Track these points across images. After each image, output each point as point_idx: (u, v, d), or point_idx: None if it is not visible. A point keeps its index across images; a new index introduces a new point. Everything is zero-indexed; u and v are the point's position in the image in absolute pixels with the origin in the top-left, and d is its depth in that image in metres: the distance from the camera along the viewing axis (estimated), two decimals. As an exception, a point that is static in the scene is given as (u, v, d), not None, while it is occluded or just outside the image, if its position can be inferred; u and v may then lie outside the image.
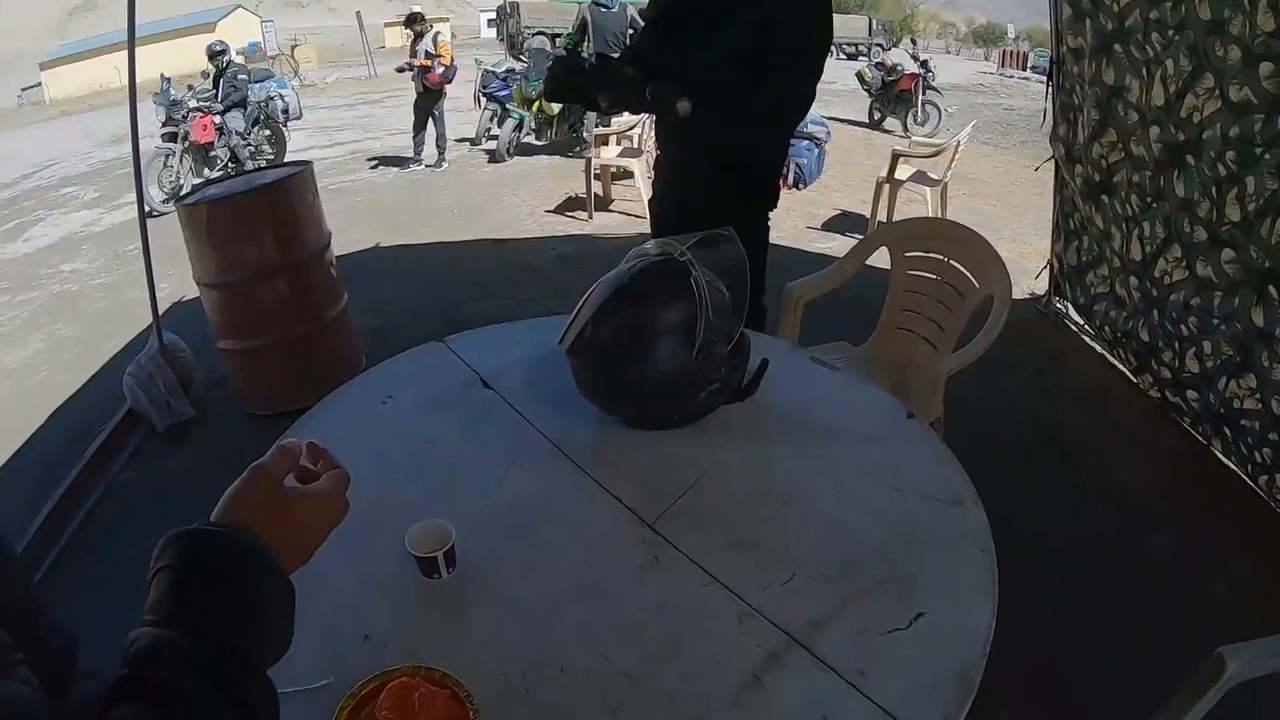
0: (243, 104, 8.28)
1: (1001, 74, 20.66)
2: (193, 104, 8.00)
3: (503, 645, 1.14)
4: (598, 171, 6.40)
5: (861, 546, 1.25)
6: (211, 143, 8.03)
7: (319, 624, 1.21)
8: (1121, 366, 3.59)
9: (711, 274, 1.48)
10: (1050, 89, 3.77)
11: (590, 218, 6.19)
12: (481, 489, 1.44)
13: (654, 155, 2.93)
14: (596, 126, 6.88)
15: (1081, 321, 3.98)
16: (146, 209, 3.64)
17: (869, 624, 1.12)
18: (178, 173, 7.70)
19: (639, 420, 1.54)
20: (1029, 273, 4.51)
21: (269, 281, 3.25)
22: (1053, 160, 3.89)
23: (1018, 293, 3.54)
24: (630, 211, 6.31)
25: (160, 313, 3.58)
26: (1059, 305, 4.17)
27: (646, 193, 5.48)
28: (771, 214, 2.52)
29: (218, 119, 8.06)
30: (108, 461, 3.21)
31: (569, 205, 6.63)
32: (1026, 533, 2.30)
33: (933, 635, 1.09)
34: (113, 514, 2.96)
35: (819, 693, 1.03)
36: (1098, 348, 3.81)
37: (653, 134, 3.57)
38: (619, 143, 6.62)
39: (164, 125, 7.84)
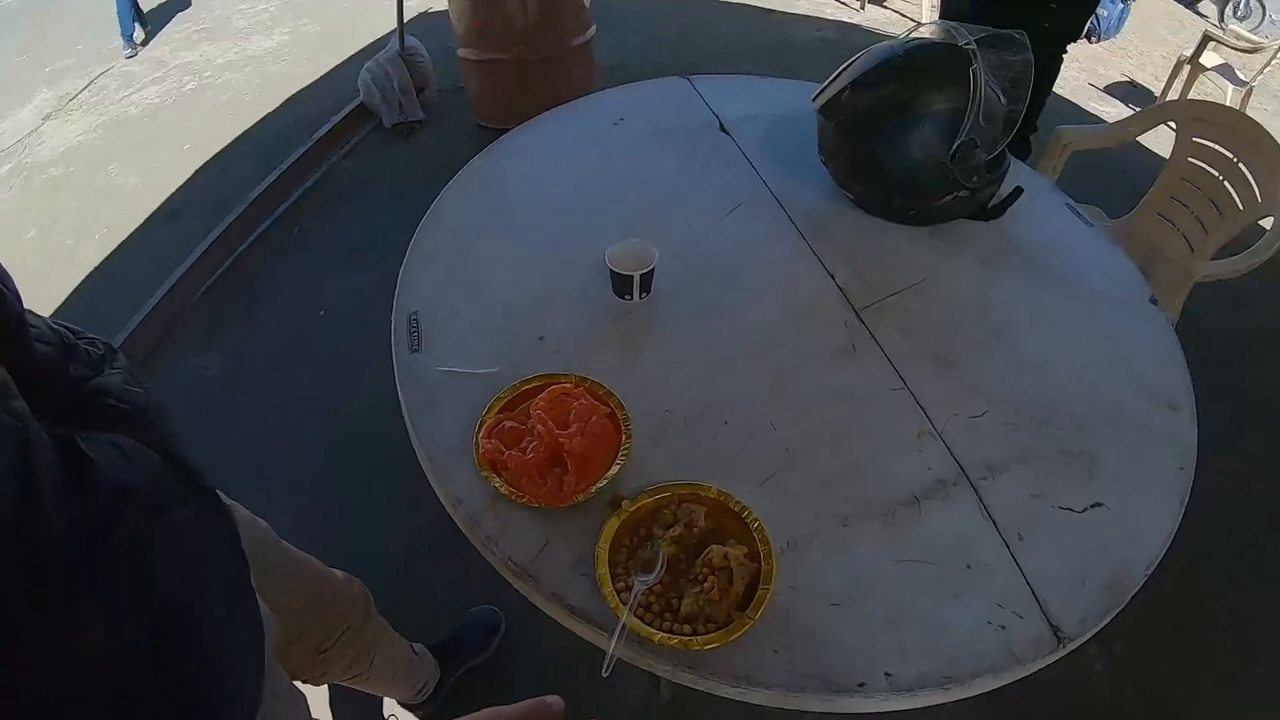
0: None
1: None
2: None
3: (675, 382, 1.17)
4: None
5: (1061, 408, 1.16)
6: None
7: (498, 314, 1.27)
8: None
9: (991, 76, 1.29)
10: None
11: (862, 8, 5.52)
12: (695, 225, 1.41)
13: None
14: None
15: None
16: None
17: (1043, 490, 1.06)
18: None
19: (873, 203, 1.42)
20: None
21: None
22: None
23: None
24: (905, 12, 5.54)
25: (405, 20, 3.50)
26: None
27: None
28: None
29: None
30: (332, 148, 3.40)
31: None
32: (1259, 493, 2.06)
33: (1102, 530, 1.03)
34: (328, 195, 3.19)
35: (970, 539, 1.01)
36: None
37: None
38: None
39: None
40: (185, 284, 2.61)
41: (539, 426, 1.04)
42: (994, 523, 1.02)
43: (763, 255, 1.37)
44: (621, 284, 1.23)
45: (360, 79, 3.52)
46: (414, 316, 1.27)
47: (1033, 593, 0.96)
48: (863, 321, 1.25)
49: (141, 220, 3.12)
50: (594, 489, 1.01)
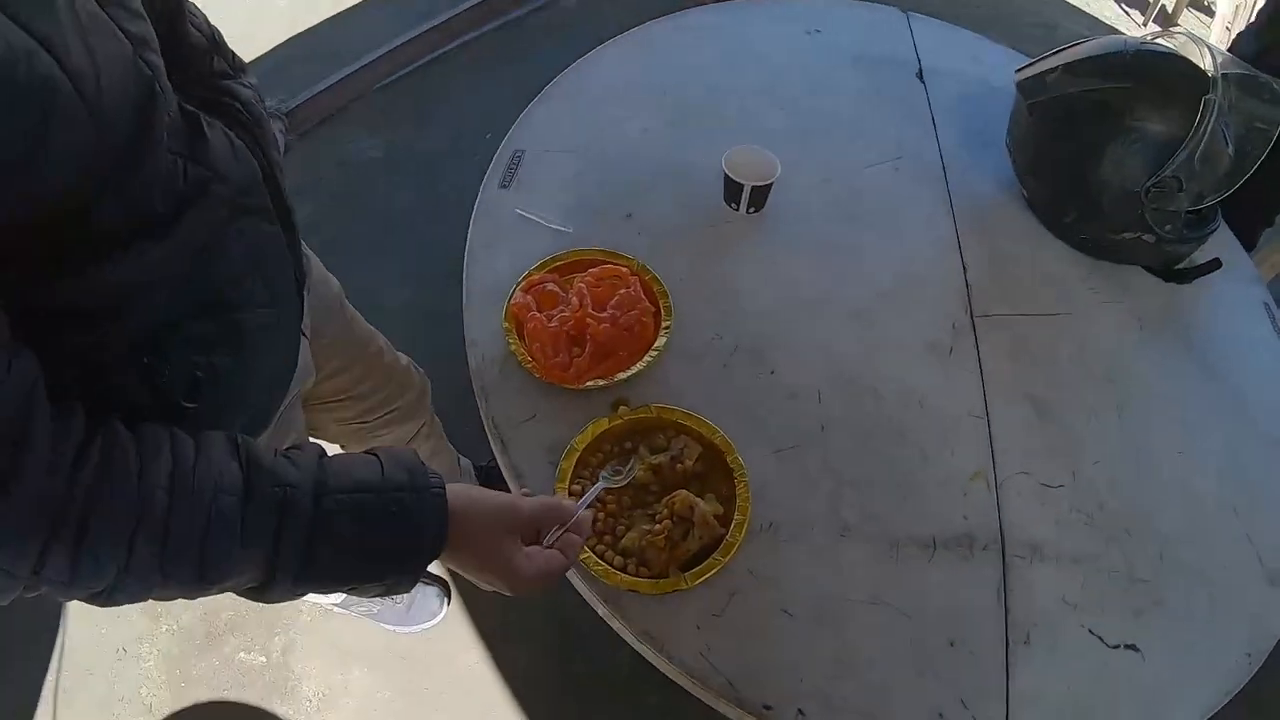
0: None
1: None
2: None
3: (741, 308, 1.06)
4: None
5: (1153, 527, 0.92)
6: None
7: (599, 177, 1.19)
8: None
9: (1228, 115, 1.01)
10: None
11: (1144, 25, 4.67)
12: (842, 160, 1.25)
13: None
14: None
15: None
16: None
17: (1082, 602, 0.85)
18: None
19: (1045, 209, 1.19)
20: None
21: None
22: None
23: None
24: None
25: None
26: None
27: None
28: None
29: None
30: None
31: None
32: None
33: (1122, 676, 0.82)
34: (539, 27, 3.00)
35: (970, 615, 0.85)
36: None
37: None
38: None
39: None
40: (371, 70, 2.67)
41: (575, 299, 0.97)
42: (1006, 610, 0.85)
43: (901, 216, 1.19)
44: (731, 190, 1.11)
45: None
46: (519, 154, 1.22)
47: (1007, 708, 0.80)
48: (974, 328, 1.07)
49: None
50: (602, 382, 0.93)
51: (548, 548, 0.66)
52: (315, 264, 1.04)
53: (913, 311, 1.08)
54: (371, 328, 1.21)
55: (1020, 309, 1.10)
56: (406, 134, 2.56)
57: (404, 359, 1.30)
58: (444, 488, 0.61)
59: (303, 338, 0.88)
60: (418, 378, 1.32)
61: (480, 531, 0.62)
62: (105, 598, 0.51)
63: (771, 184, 1.09)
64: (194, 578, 0.52)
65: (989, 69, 1.41)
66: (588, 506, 0.72)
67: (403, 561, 0.59)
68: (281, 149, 0.80)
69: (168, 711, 1.51)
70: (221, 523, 0.52)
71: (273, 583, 0.55)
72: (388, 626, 1.56)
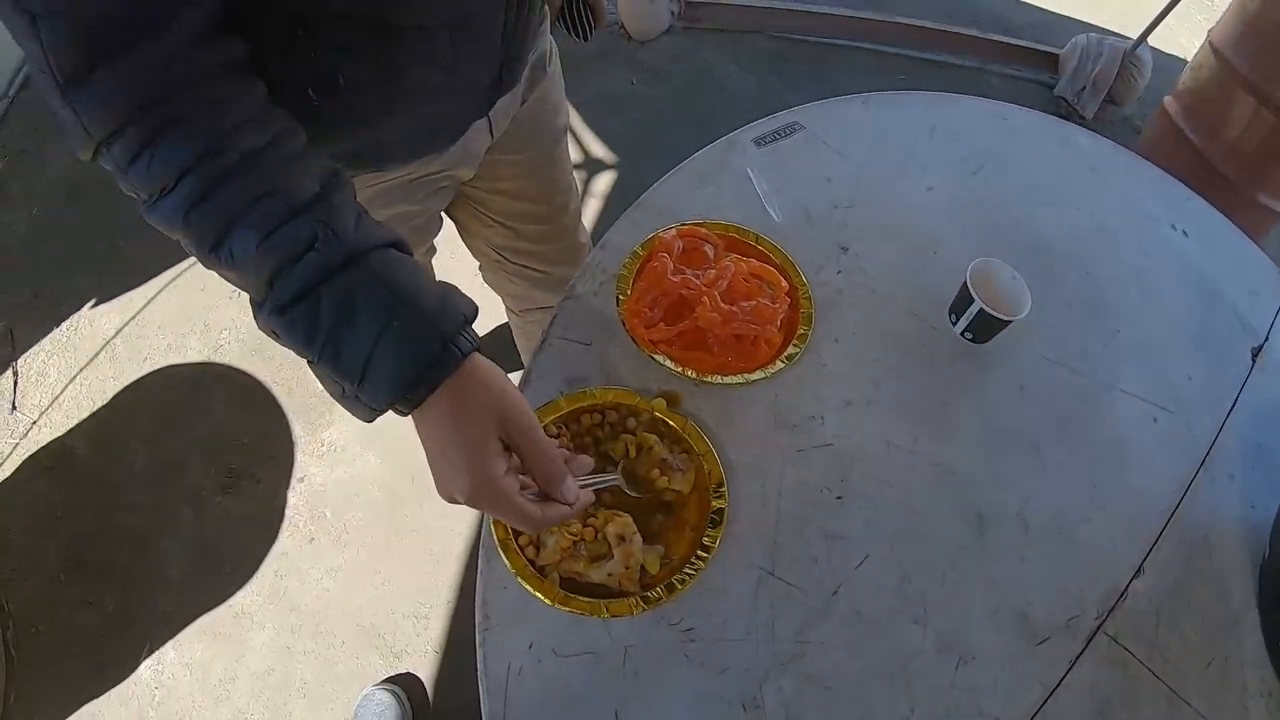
0: None
1: None
2: None
3: (867, 432, 0.86)
4: None
5: None
6: None
7: (834, 192, 1.04)
8: None
9: None
10: None
11: None
12: (1102, 355, 0.96)
13: None
14: None
15: None
16: None
17: None
18: None
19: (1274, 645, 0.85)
20: None
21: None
22: None
23: None
24: None
25: None
26: None
27: None
28: None
29: None
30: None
31: None
32: None
33: None
34: None
35: None
36: None
37: None
38: None
39: None
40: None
41: (713, 273, 0.83)
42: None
43: (1113, 465, 0.88)
44: (960, 303, 0.89)
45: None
46: (794, 126, 1.09)
47: None
48: (1088, 641, 0.78)
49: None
50: (670, 364, 0.80)
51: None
52: (553, 84, 1.00)
53: (1036, 577, 0.81)
54: (575, 185, 1.16)
55: (1154, 663, 0.78)
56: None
57: (586, 238, 1.25)
58: (469, 351, 0.54)
59: (474, 133, 0.84)
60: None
61: (476, 410, 0.53)
62: (144, 208, 0.52)
63: (1009, 322, 0.87)
64: (208, 246, 0.52)
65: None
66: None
67: (374, 380, 0.52)
68: None
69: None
70: (256, 215, 0.50)
71: (263, 304, 0.52)
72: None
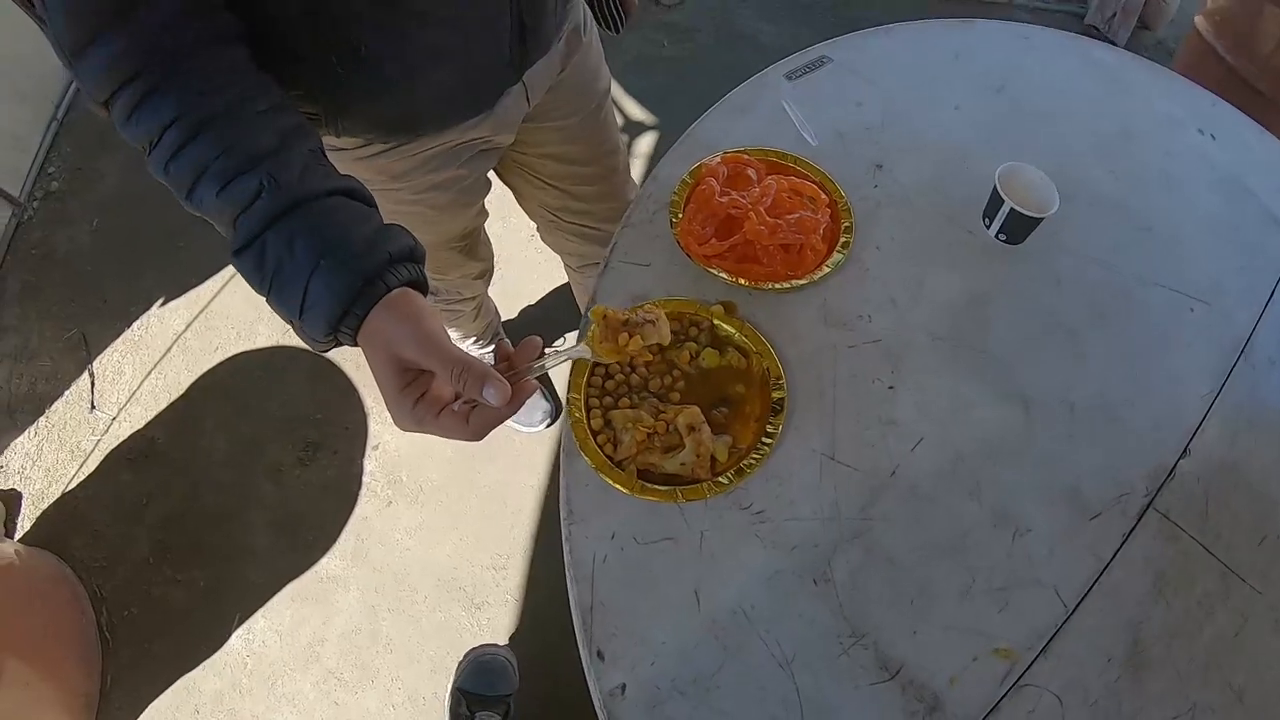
0: None
1: None
2: None
3: (914, 325, 0.91)
4: None
5: None
6: None
7: (867, 115, 1.08)
8: None
9: None
10: None
11: None
12: (1138, 254, 1.00)
13: None
14: None
15: None
16: None
17: None
18: None
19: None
20: None
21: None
22: None
23: None
24: None
25: None
26: None
27: None
28: None
29: None
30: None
31: None
32: None
33: None
34: None
35: None
36: None
37: None
38: None
39: None
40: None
41: (758, 190, 0.89)
42: None
43: (1158, 356, 0.92)
44: (992, 206, 0.94)
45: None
46: (823, 59, 1.14)
47: None
48: (1140, 516, 0.82)
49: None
50: (725, 276, 0.86)
51: (467, 402, 0.57)
52: (590, 52, 1.05)
53: (1084, 456, 0.85)
54: (621, 144, 1.21)
55: (1206, 539, 0.82)
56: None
57: (637, 193, 1.30)
58: (395, 287, 0.57)
59: (510, 100, 0.89)
60: None
61: (381, 343, 0.57)
62: (148, 157, 0.59)
63: (1040, 220, 0.91)
64: (184, 194, 0.59)
65: None
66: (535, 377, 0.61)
67: (310, 316, 0.57)
68: None
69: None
70: (218, 167, 0.57)
71: (230, 248, 0.58)
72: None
